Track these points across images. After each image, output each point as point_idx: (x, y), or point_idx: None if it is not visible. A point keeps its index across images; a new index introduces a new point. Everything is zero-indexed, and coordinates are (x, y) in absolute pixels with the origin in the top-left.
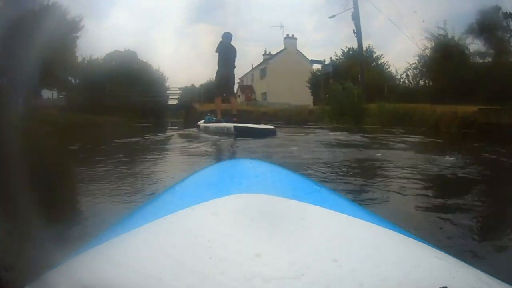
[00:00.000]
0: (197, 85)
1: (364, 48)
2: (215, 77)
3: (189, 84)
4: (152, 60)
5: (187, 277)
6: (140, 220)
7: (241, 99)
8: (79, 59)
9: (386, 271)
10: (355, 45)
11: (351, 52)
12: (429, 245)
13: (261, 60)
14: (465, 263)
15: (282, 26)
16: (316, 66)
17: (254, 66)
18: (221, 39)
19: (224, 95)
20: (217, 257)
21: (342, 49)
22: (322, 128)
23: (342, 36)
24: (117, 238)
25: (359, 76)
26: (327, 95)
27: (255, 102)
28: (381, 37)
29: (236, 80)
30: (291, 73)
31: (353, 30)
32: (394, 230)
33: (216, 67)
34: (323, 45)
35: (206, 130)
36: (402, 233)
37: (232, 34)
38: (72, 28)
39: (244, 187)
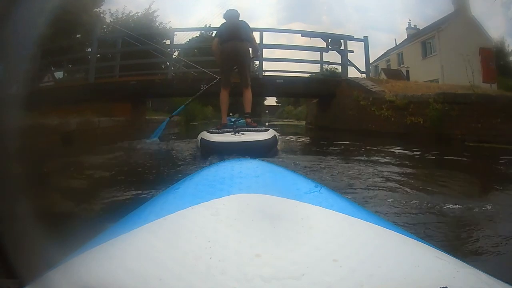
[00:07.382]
0: None
1: None
2: (218, 60)
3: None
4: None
5: (187, 277)
6: (140, 220)
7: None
8: None
9: (386, 271)
10: None
11: None
12: (429, 245)
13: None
14: (466, 263)
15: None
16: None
17: (398, 43)
18: (223, 20)
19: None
20: (217, 257)
21: None
22: None
23: None
24: (117, 238)
25: None
26: None
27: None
28: None
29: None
30: (468, 50)
31: None
32: (394, 230)
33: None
34: None
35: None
36: (402, 233)
37: (238, 11)
38: None
39: (244, 187)
